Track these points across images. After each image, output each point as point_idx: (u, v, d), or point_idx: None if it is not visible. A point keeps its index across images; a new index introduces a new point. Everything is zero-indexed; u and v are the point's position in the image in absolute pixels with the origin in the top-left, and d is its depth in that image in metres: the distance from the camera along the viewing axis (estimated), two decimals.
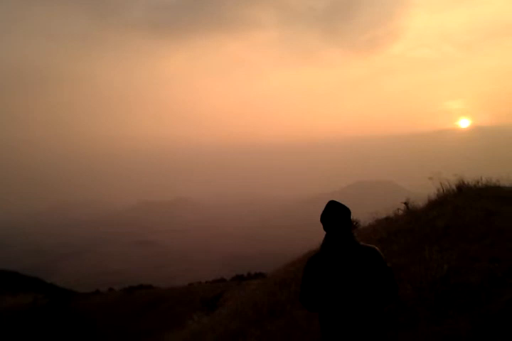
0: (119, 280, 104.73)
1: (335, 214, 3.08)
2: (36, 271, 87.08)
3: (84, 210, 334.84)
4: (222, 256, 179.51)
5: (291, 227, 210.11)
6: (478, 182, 9.10)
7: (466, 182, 9.20)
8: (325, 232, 3.13)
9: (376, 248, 3.08)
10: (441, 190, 9.32)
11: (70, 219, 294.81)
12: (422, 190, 11.25)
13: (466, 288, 4.58)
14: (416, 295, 4.86)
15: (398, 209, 9.87)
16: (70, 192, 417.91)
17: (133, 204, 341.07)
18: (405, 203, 9.77)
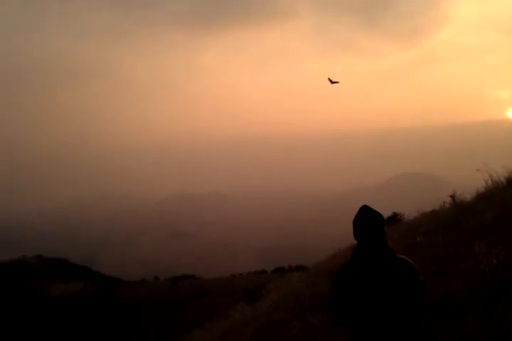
0: (160, 270, 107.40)
1: (369, 221, 2.92)
2: (81, 260, 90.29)
3: (123, 201, 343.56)
4: (259, 249, 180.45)
5: (330, 221, 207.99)
6: None
7: None
8: (356, 241, 2.99)
9: (411, 261, 2.96)
10: (490, 183, 8.97)
11: (110, 209, 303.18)
12: (469, 182, 10.87)
13: None
14: (464, 289, 4.75)
15: (444, 202, 9.62)
16: (111, 183, 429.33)
17: (170, 196, 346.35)
18: (452, 196, 9.51)
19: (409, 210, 11.37)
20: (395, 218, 13.13)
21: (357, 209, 3.02)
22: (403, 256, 2.96)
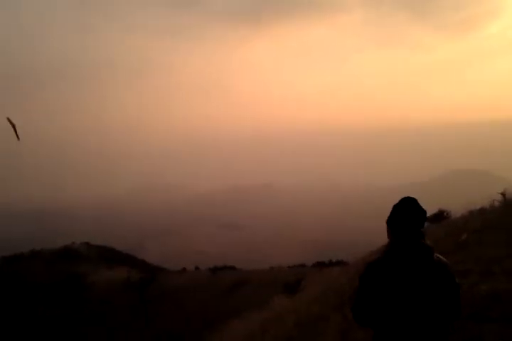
0: (203, 260, 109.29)
1: (410, 214, 2.60)
2: (128, 248, 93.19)
3: (174, 192, 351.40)
4: (303, 242, 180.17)
5: (376, 217, 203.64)
6: None
7: None
8: (391, 236, 2.69)
9: (448, 263, 2.66)
10: None
11: (161, 200, 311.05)
12: None
13: None
14: (510, 289, 4.59)
15: (494, 200, 9.29)
16: (163, 174, 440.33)
17: (220, 188, 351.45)
18: (502, 194, 9.17)
19: (458, 208, 11.03)
20: (441, 215, 12.80)
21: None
22: (440, 257, 2.66)
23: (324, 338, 6.07)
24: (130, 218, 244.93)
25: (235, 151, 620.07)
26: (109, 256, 59.89)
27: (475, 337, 3.96)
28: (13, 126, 5.49)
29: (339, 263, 33.13)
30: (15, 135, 5.56)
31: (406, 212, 2.60)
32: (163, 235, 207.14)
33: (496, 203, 9.16)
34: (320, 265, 39.10)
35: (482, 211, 9.29)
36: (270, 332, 8.49)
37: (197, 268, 52.05)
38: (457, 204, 11.36)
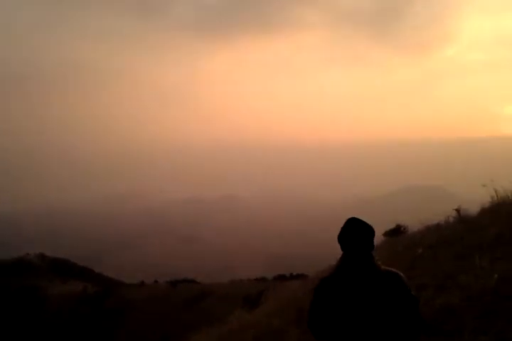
0: (163, 273, 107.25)
1: (356, 233, 2.70)
2: (84, 260, 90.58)
3: (132, 203, 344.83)
4: (265, 255, 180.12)
5: (336, 230, 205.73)
6: None
7: None
8: (342, 252, 2.78)
9: (400, 273, 2.71)
10: (496, 198, 8.95)
11: (118, 211, 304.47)
12: (475, 196, 10.85)
13: None
14: (464, 303, 4.75)
15: (449, 215, 9.60)
16: (120, 184, 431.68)
17: (181, 199, 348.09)
18: (457, 210, 9.49)
19: (415, 223, 11.33)
20: (399, 230, 13.09)
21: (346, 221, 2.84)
22: (392, 269, 2.74)
23: None
24: (86, 229, 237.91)
25: (195, 162, 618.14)
26: (64, 268, 58.01)
27: None
28: None
29: (300, 276, 33.28)
30: None
31: (353, 229, 2.73)
32: (121, 247, 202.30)
33: (451, 219, 9.47)
34: (281, 278, 39.23)
35: (438, 226, 9.58)
36: None
37: (156, 281, 51.13)
38: (412, 220, 11.67)
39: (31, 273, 50.30)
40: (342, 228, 2.79)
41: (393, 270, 2.73)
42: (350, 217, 2.83)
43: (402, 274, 2.72)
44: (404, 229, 13.06)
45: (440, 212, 9.86)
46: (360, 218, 2.81)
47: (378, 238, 12.89)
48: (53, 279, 49.13)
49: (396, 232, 12.95)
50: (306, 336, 6.06)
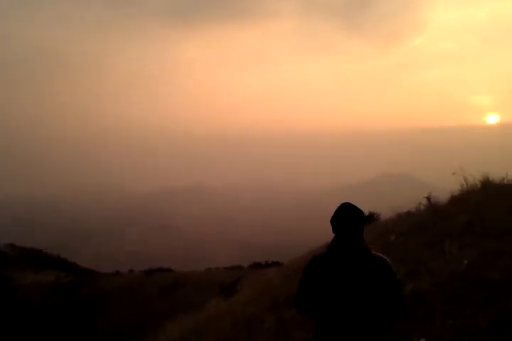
0: (137, 262, 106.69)
1: (349, 217, 2.83)
2: (58, 250, 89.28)
3: (106, 193, 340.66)
4: (238, 244, 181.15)
5: (310, 219, 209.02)
6: (503, 180, 8.93)
7: (491, 178, 9.03)
8: (334, 234, 2.89)
9: (387, 259, 2.86)
10: (465, 186, 9.19)
11: (91, 201, 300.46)
12: (445, 185, 11.12)
13: (486, 285, 4.57)
14: (433, 289, 4.89)
15: (420, 203, 9.81)
16: (93, 175, 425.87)
17: (153, 189, 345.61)
18: (427, 198, 9.70)
19: (386, 210, 11.55)
20: (372, 217, 13.33)
21: (336, 206, 2.95)
22: (380, 254, 2.88)
23: (258, 339, 6.14)
24: (60, 219, 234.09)
25: (167, 152, 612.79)
26: (36, 258, 57.06)
27: (400, 334, 4.18)
28: None
29: (275, 264, 33.61)
30: None
31: (345, 214, 2.86)
32: (95, 237, 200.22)
33: (422, 207, 9.68)
34: (256, 266, 39.50)
35: (409, 214, 9.78)
36: (204, 334, 8.46)
37: (131, 270, 50.83)
38: (385, 207, 11.89)
39: (2, 263, 49.28)
40: (336, 211, 2.90)
41: (382, 255, 2.87)
42: (343, 201, 2.95)
43: (389, 260, 2.86)
44: (376, 216, 13.31)
45: (411, 200, 10.07)
46: (353, 203, 2.93)
47: None
48: (25, 269, 48.33)
49: (369, 220, 13.18)
50: (281, 323, 6.15)
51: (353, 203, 2.94)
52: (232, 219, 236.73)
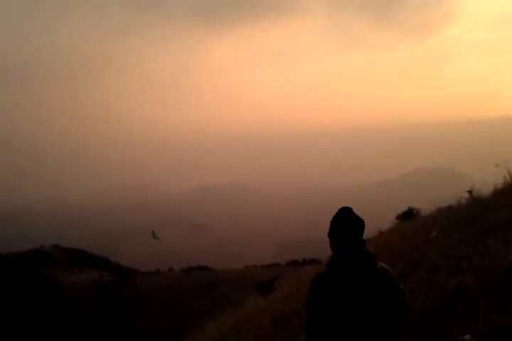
0: (176, 261, 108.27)
1: (349, 226, 2.59)
2: (99, 250, 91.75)
3: (143, 193, 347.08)
4: (275, 242, 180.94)
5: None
6: None
7: None
8: (333, 247, 2.66)
9: (390, 269, 2.66)
10: (508, 178, 8.87)
11: (130, 201, 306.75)
12: (487, 178, 10.79)
13: None
14: (476, 284, 4.77)
15: (461, 197, 9.56)
16: (131, 175, 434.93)
17: (190, 188, 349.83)
18: (469, 191, 9.44)
19: (426, 205, 11.29)
20: (411, 213, 13.07)
21: (339, 209, 2.70)
22: (383, 264, 2.66)
23: (299, 336, 6.15)
24: (100, 220, 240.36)
25: (204, 151, 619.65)
26: (79, 258, 58.80)
27: (443, 330, 4.10)
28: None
29: (312, 261, 33.45)
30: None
31: (343, 223, 2.60)
32: (135, 236, 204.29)
33: (463, 200, 9.43)
34: (293, 264, 39.40)
35: (450, 208, 9.55)
36: (244, 331, 8.52)
37: (170, 269, 51.69)
38: (424, 202, 11.65)
39: (47, 263, 51.11)
40: (334, 220, 2.65)
41: (386, 266, 2.67)
42: (341, 206, 2.70)
43: (390, 268, 2.68)
44: (416, 211, 13.04)
45: (451, 194, 9.83)
46: (351, 208, 2.68)
47: (391, 221, 12.89)
48: (69, 269, 49.89)
49: (408, 215, 12.95)
50: None
51: (350, 208, 2.68)
52: (269, 217, 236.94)
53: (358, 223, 2.61)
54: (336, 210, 2.70)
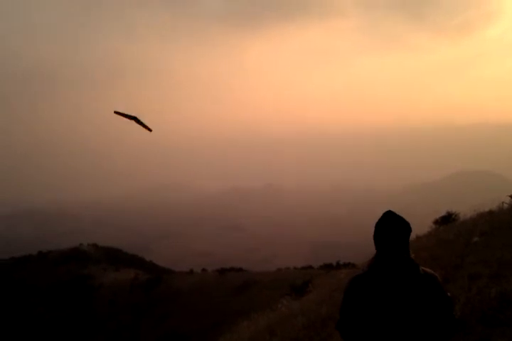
0: (209, 261, 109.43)
1: (395, 230, 2.54)
2: (133, 249, 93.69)
3: (176, 193, 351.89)
4: (309, 244, 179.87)
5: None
6: None
7: None
8: (377, 250, 2.61)
9: (437, 275, 2.57)
10: None
11: (163, 201, 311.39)
12: None
13: None
14: None
15: (503, 202, 9.26)
16: (164, 175, 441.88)
17: (224, 189, 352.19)
18: (511, 196, 9.14)
19: (466, 210, 10.99)
20: (450, 217, 12.75)
21: (384, 213, 2.64)
22: (428, 270, 2.58)
23: (333, 340, 6.08)
24: (138, 219, 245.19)
25: (236, 152, 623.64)
26: (116, 257, 60.19)
27: (484, 340, 3.97)
28: (131, 118, 4.96)
29: (347, 265, 33.01)
30: (143, 127, 5.01)
31: (388, 227, 2.56)
32: (169, 236, 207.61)
33: (505, 205, 9.13)
34: (327, 267, 38.97)
35: (491, 213, 9.26)
36: (278, 333, 8.51)
37: (204, 269, 52.17)
38: (466, 206, 11.34)
39: (86, 262, 52.57)
40: (379, 223, 2.60)
41: (431, 271, 2.58)
42: (386, 210, 2.64)
43: (437, 275, 2.59)
44: (455, 216, 12.72)
45: (493, 199, 9.54)
46: (397, 213, 2.62)
47: (429, 225, 12.60)
48: (107, 267, 51.15)
49: (447, 220, 12.63)
50: None
51: (397, 213, 2.62)
52: (302, 220, 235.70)
53: (404, 227, 2.56)
54: (381, 213, 2.66)
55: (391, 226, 2.54)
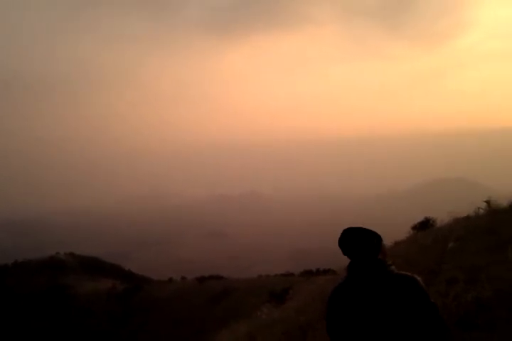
0: (190, 269, 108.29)
1: (352, 242, 2.59)
2: (113, 257, 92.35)
3: (159, 202, 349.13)
4: (290, 251, 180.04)
5: (362, 225, 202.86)
6: None
7: None
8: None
9: (417, 278, 2.49)
10: None
11: (145, 209, 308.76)
12: (505, 188, 10.62)
13: None
14: (495, 296, 4.66)
15: (479, 207, 9.41)
16: (146, 184, 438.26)
17: (206, 197, 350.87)
18: (487, 201, 9.30)
19: (443, 216, 11.14)
20: (427, 223, 12.91)
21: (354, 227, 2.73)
22: (408, 273, 2.54)
23: None
24: (115, 228, 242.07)
25: (219, 160, 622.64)
26: (94, 266, 59.20)
27: None
28: None
29: (327, 271, 33.13)
30: None
31: (347, 238, 2.64)
32: (150, 244, 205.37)
33: (481, 211, 9.29)
34: (307, 273, 39.01)
35: (467, 219, 9.41)
36: (257, 340, 8.46)
37: (183, 277, 51.64)
38: (440, 213, 11.50)
39: (62, 271, 51.54)
40: (338, 242, 2.68)
41: (409, 274, 2.52)
42: (346, 227, 2.73)
43: (419, 278, 2.51)
44: (432, 222, 12.88)
45: (469, 205, 9.69)
46: (356, 226, 2.71)
47: (407, 231, 12.73)
48: (83, 277, 50.25)
49: (424, 225, 12.78)
50: None
51: (357, 226, 2.72)
52: (285, 227, 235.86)
53: (363, 238, 2.61)
54: (342, 230, 2.72)
55: (349, 239, 2.62)
